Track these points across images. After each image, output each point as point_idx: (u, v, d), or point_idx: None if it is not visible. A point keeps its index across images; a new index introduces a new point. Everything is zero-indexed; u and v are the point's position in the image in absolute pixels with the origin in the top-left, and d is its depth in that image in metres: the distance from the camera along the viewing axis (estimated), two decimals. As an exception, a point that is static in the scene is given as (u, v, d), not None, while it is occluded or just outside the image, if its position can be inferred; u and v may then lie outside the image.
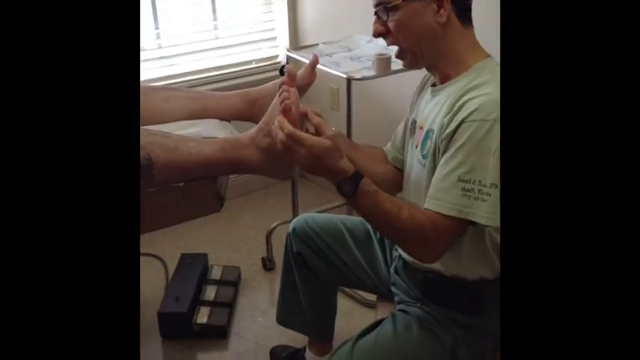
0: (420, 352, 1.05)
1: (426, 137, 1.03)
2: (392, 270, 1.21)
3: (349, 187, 0.92)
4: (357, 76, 1.58)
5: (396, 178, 1.20)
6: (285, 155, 0.90)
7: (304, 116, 0.93)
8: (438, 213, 0.93)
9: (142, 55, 2.11)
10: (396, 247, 1.19)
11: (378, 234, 1.28)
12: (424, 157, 1.02)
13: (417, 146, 1.07)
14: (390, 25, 0.99)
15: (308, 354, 1.47)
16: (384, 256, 1.26)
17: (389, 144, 1.25)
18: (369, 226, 1.29)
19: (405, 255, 1.13)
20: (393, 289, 1.21)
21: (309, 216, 1.37)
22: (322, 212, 2.04)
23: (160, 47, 2.15)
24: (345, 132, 1.88)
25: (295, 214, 2.04)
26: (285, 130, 0.87)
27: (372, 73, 1.59)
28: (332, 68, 1.62)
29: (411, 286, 1.14)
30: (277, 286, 1.95)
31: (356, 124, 1.83)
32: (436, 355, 1.05)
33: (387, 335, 1.07)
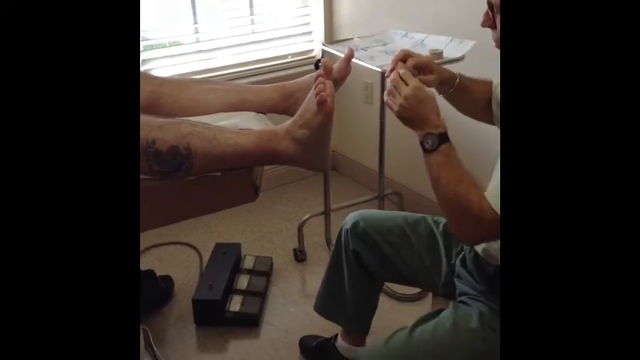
0: (478, 347, 1.05)
1: None
2: (458, 261, 1.20)
3: (432, 141, 0.98)
4: (392, 70, 1.58)
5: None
6: (388, 96, 1.02)
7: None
8: (490, 205, 0.94)
9: (181, 49, 2.17)
10: None
11: (440, 228, 1.27)
12: None
13: None
14: (498, 25, 1.02)
15: (341, 343, 1.48)
16: (448, 250, 1.24)
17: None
18: (431, 222, 1.29)
19: (478, 248, 1.13)
20: (456, 280, 1.19)
21: (366, 213, 1.36)
22: (353, 206, 2.08)
23: (198, 41, 2.20)
24: (378, 126, 1.89)
25: (327, 206, 2.06)
26: (399, 69, 1.01)
27: (406, 67, 1.59)
28: (367, 62, 1.62)
29: (479, 280, 1.13)
30: (308, 276, 2.01)
31: (389, 118, 1.84)
32: (494, 351, 1.03)
33: (445, 326, 1.07)
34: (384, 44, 1.79)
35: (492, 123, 1.25)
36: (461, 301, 1.14)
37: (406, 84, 1.00)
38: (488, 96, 1.24)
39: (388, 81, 1.04)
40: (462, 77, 1.19)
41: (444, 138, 0.98)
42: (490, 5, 1.01)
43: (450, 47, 1.65)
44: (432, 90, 1.06)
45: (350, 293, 1.37)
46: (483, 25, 1.04)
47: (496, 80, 1.23)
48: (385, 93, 1.04)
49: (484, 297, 1.11)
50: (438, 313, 1.12)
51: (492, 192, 0.96)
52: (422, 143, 0.99)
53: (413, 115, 1.00)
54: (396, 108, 1.01)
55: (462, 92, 1.20)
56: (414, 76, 1.05)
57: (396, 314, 1.76)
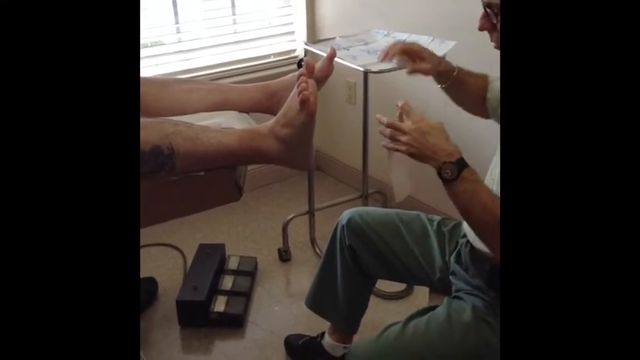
0: (471, 340, 1.05)
1: None
2: (452, 258, 1.20)
3: (451, 170, 0.93)
4: (374, 69, 1.59)
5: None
6: (392, 141, 0.97)
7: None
8: None
9: (163, 49, 2.15)
10: (464, 234, 1.17)
11: (434, 226, 1.27)
12: None
13: None
14: (498, 26, 0.98)
15: (327, 340, 1.48)
16: (442, 248, 1.25)
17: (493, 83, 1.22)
18: (425, 220, 1.29)
19: (474, 242, 1.11)
20: (451, 278, 1.19)
21: (362, 210, 1.36)
22: (337, 205, 2.08)
23: (180, 41, 2.18)
24: (361, 125, 1.89)
25: (311, 206, 2.07)
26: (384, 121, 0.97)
27: (388, 66, 1.60)
28: (349, 61, 1.63)
29: (475, 275, 1.12)
30: (293, 276, 2.01)
31: (372, 117, 1.84)
32: (488, 345, 1.04)
33: (438, 320, 1.07)
34: (366, 44, 1.80)
35: (486, 117, 1.25)
36: (455, 297, 1.14)
37: (410, 116, 0.97)
38: (483, 91, 1.23)
39: (382, 128, 1.00)
40: (460, 71, 1.17)
41: (462, 164, 0.94)
42: (489, 5, 0.95)
43: (432, 47, 1.65)
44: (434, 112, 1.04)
45: (343, 290, 1.37)
46: (481, 28, 0.99)
47: (492, 74, 1.21)
48: (385, 142, 1.00)
49: (479, 291, 1.11)
50: (432, 308, 1.13)
51: None
52: (440, 174, 0.95)
53: (422, 150, 0.96)
54: (403, 148, 0.97)
55: (460, 85, 1.19)
56: (407, 62, 1.02)
57: (380, 312, 1.77)
